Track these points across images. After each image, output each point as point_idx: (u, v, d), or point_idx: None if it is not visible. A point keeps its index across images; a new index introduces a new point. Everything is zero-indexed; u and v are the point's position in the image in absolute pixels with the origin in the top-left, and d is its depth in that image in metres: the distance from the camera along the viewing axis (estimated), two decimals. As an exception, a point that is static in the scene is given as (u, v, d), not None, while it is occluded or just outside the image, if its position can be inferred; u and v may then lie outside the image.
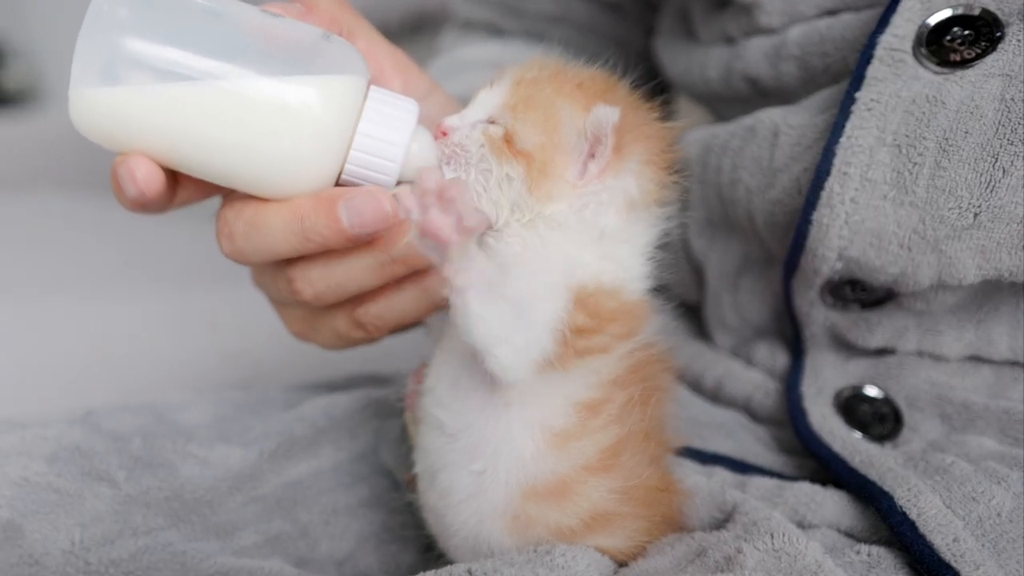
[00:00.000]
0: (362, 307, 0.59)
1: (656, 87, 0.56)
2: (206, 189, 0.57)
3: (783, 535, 0.53)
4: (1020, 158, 0.55)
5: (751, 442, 0.68)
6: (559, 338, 0.49)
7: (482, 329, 0.48)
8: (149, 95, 0.51)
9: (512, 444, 0.52)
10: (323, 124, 0.52)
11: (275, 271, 0.59)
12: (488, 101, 0.55)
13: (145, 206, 0.55)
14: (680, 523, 0.58)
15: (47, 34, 2.35)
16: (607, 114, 0.51)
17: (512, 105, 0.53)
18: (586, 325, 0.50)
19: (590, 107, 0.52)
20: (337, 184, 0.55)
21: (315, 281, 0.57)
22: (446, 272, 0.46)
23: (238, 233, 0.55)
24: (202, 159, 0.53)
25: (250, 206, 0.55)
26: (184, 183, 0.56)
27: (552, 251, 0.52)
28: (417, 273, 0.57)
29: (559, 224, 0.52)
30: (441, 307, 0.57)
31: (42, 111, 2.32)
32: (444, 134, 0.55)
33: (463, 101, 0.59)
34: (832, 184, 0.59)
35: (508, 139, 0.52)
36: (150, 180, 0.53)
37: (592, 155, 0.52)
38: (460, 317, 0.48)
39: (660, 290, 0.56)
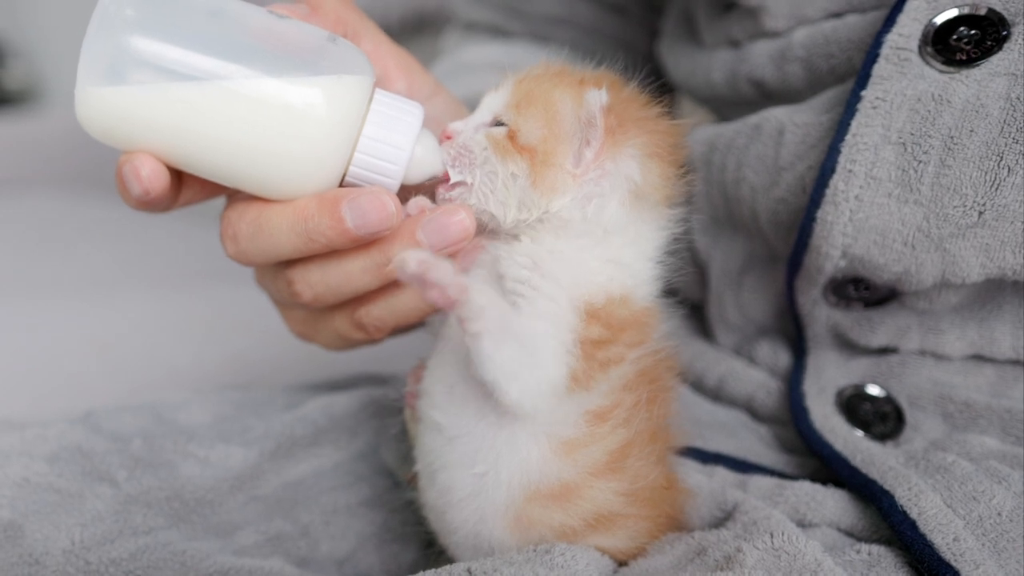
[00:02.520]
0: (362, 308, 0.59)
1: (662, 87, 0.56)
2: (210, 189, 0.57)
3: (783, 534, 0.53)
4: (1025, 156, 0.55)
5: (752, 441, 0.68)
6: (581, 354, 0.50)
7: (494, 369, 0.49)
8: (154, 94, 0.51)
9: (516, 452, 0.52)
10: (327, 126, 0.52)
11: (276, 272, 0.59)
12: (492, 103, 0.55)
13: (149, 205, 0.55)
14: (682, 522, 0.58)
15: (47, 34, 2.35)
16: (595, 96, 0.51)
17: (515, 103, 0.54)
18: (603, 337, 0.51)
19: None
20: (341, 186, 0.55)
21: (315, 283, 0.56)
22: (460, 322, 0.48)
23: (242, 234, 0.55)
24: (206, 159, 0.53)
25: (254, 207, 0.55)
26: (188, 182, 0.56)
27: (560, 264, 0.52)
28: None
29: (564, 223, 0.52)
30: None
31: (42, 111, 2.32)
32: (448, 138, 0.55)
33: (467, 102, 0.59)
34: (837, 182, 0.59)
35: (512, 136, 0.53)
36: (154, 179, 0.53)
37: (587, 141, 0.52)
38: (474, 357, 0.49)
39: (665, 291, 0.56)
